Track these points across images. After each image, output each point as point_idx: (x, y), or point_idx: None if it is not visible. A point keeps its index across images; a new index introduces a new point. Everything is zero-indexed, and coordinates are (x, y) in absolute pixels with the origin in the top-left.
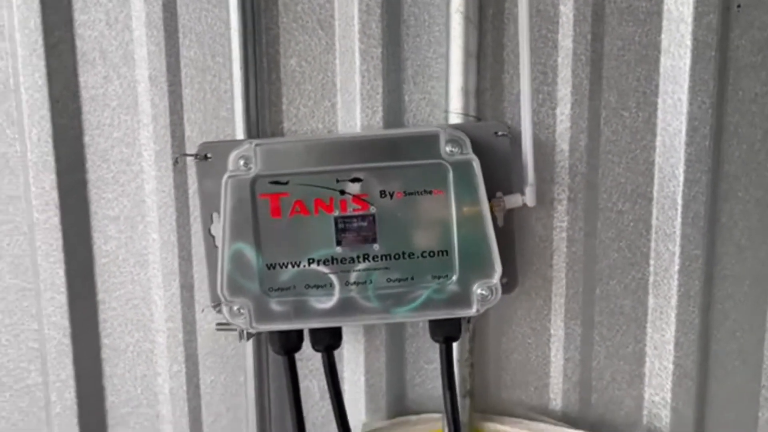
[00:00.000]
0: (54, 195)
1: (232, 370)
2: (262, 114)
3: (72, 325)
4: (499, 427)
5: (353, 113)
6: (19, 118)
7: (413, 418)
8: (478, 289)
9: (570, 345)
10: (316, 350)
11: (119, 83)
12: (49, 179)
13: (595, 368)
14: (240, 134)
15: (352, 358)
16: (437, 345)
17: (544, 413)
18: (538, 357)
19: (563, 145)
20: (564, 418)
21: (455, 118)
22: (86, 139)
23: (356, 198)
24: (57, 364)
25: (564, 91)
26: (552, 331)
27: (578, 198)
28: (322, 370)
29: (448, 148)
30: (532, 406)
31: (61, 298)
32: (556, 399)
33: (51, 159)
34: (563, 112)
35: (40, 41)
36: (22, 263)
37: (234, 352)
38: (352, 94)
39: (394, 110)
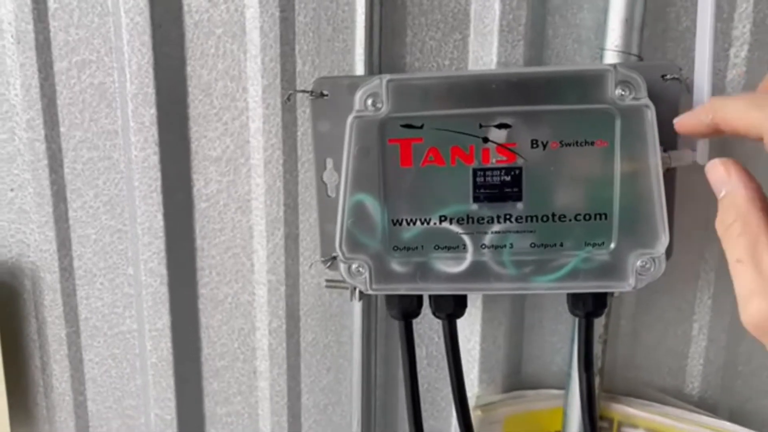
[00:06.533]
0: (153, 131)
1: (336, 330)
2: (386, 47)
3: (169, 273)
4: (627, 409)
5: (488, 48)
6: (118, 45)
7: (530, 393)
8: (637, 261)
9: (716, 325)
10: (437, 317)
11: (225, 8)
12: (149, 114)
13: (743, 353)
14: (360, 69)
15: (467, 325)
16: (561, 315)
17: (678, 397)
18: (678, 336)
19: (735, 93)
20: (701, 404)
21: (612, 57)
22: (188, 70)
23: (502, 147)
24: (153, 312)
25: (742, 29)
26: (697, 308)
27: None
28: (429, 335)
29: (618, 91)
30: (665, 388)
31: (159, 243)
32: (693, 383)
33: (152, 91)
34: (738, 54)
35: None
36: (118, 203)
37: (339, 311)
38: (489, 26)
39: (535, 46)
